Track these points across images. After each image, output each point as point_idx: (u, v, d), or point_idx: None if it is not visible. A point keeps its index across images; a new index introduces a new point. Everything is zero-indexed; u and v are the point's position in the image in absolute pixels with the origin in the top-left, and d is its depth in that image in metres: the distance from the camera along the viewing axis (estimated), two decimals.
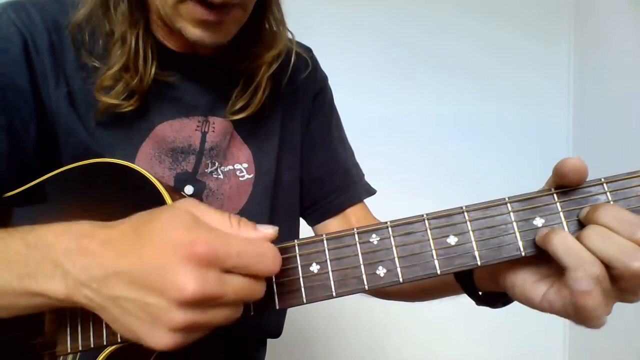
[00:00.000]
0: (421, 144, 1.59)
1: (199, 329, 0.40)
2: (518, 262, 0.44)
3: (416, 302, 0.72)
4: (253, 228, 0.42)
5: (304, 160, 0.80)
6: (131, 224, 0.42)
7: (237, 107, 0.69)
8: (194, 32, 0.59)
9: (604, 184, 0.41)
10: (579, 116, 1.63)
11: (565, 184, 0.41)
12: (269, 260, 0.41)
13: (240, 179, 0.72)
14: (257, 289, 0.41)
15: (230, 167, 0.71)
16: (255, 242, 0.41)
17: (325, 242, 0.46)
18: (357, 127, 0.91)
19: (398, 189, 1.34)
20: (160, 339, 0.38)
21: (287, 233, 0.76)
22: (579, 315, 0.39)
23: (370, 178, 0.84)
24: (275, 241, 0.44)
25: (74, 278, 0.41)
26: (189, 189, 0.68)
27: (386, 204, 0.84)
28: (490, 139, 1.62)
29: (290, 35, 0.73)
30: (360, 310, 1.39)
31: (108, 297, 0.40)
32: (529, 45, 1.64)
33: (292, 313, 0.85)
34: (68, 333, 0.51)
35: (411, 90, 1.60)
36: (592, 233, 0.39)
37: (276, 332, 0.81)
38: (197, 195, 0.68)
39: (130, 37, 0.61)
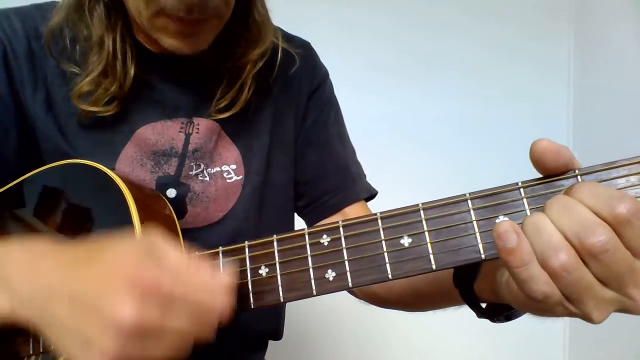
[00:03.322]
0: (420, 142, 1.52)
1: None
2: None
3: (418, 312, 0.66)
4: (209, 271, 0.38)
5: (298, 159, 0.73)
6: (86, 248, 0.39)
7: (222, 105, 0.64)
8: (170, 43, 0.56)
9: (578, 177, 0.33)
10: (579, 115, 1.55)
11: (549, 172, 0.35)
12: (218, 299, 0.37)
13: (228, 180, 0.66)
14: (202, 330, 0.37)
15: (217, 168, 0.66)
16: (206, 282, 0.37)
17: (275, 243, 0.40)
18: (356, 126, 0.85)
19: (396, 187, 1.27)
20: None
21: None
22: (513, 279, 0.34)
23: (370, 178, 0.77)
24: None
25: (19, 294, 0.39)
26: (171, 192, 0.63)
27: (386, 202, 0.77)
28: (490, 138, 1.53)
29: (275, 32, 0.68)
30: (361, 315, 1.33)
31: (48, 315, 0.37)
32: (529, 45, 1.55)
33: (292, 315, 0.81)
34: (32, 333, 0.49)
35: (411, 90, 1.52)
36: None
37: (276, 334, 0.76)
38: (180, 199, 0.64)
39: (108, 42, 0.58)
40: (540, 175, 0.35)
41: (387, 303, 0.68)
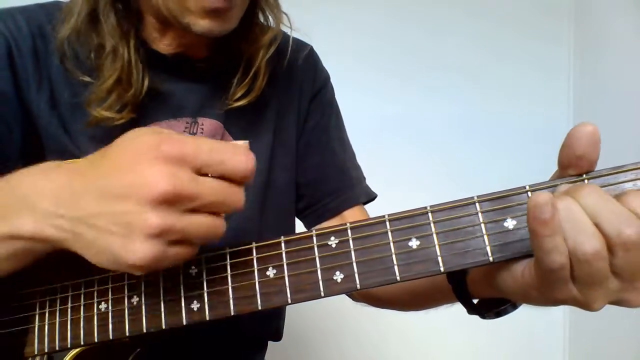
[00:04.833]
0: (420, 143, 1.51)
1: (177, 234, 0.35)
2: None
3: (414, 312, 0.66)
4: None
5: (299, 161, 0.73)
6: (98, 151, 0.40)
7: (239, 94, 0.64)
8: (202, 24, 0.55)
9: (586, 181, 0.34)
10: (579, 115, 1.54)
11: (570, 161, 0.34)
12: (242, 157, 0.36)
13: None
14: (235, 192, 0.37)
15: None
16: (227, 145, 0.37)
17: (283, 244, 0.40)
18: (356, 126, 0.85)
19: (397, 188, 1.27)
20: (137, 250, 0.34)
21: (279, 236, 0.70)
22: (534, 248, 0.33)
23: (369, 179, 0.77)
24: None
25: (41, 210, 0.38)
26: None
27: (386, 203, 0.77)
28: (491, 139, 1.53)
29: (286, 18, 0.67)
30: (361, 315, 1.33)
31: (78, 219, 0.36)
32: (529, 45, 1.55)
33: (292, 315, 0.80)
34: (36, 334, 0.49)
35: (411, 90, 1.52)
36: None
37: (276, 335, 0.76)
38: None
39: (123, 50, 0.58)
40: (551, 173, 0.36)
41: (383, 303, 0.68)
